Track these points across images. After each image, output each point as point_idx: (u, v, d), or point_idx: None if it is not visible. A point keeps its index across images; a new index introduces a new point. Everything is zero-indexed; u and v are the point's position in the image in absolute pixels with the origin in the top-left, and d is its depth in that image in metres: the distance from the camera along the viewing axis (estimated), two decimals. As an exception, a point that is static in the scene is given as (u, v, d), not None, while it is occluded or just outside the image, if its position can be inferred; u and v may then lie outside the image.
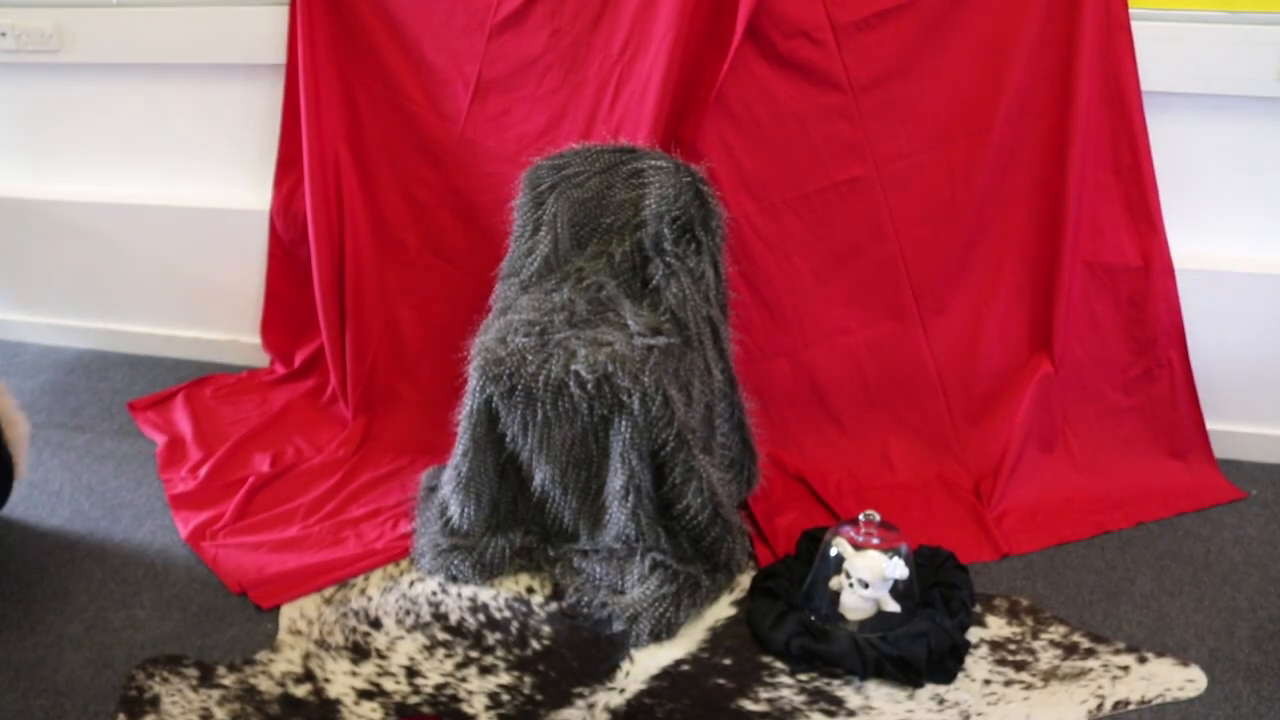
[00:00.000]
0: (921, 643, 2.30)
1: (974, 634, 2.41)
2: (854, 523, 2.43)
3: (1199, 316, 2.92)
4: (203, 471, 2.99)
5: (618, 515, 2.46)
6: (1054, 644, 2.39)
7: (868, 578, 2.35)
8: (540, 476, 2.53)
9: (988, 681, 2.29)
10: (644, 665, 2.34)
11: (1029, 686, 2.27)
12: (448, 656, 2.37)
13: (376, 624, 2.46)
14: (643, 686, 2.28)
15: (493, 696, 2.26)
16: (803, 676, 2.31)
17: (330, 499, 2.88)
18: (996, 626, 2.45)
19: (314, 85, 3.12)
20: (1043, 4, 2.73)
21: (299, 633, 2.44)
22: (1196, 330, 2.93)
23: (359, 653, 2.38)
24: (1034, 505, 2.83)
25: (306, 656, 2.36)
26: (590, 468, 2.49)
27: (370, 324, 3.24)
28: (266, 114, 3.33)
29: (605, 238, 2.74)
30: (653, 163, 2.70)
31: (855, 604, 2.38)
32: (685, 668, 2.34)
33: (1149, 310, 2.91)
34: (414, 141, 3.14)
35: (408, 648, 2.40)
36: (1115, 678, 2.29)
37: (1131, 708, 2.22)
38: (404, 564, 2.64)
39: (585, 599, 2.49)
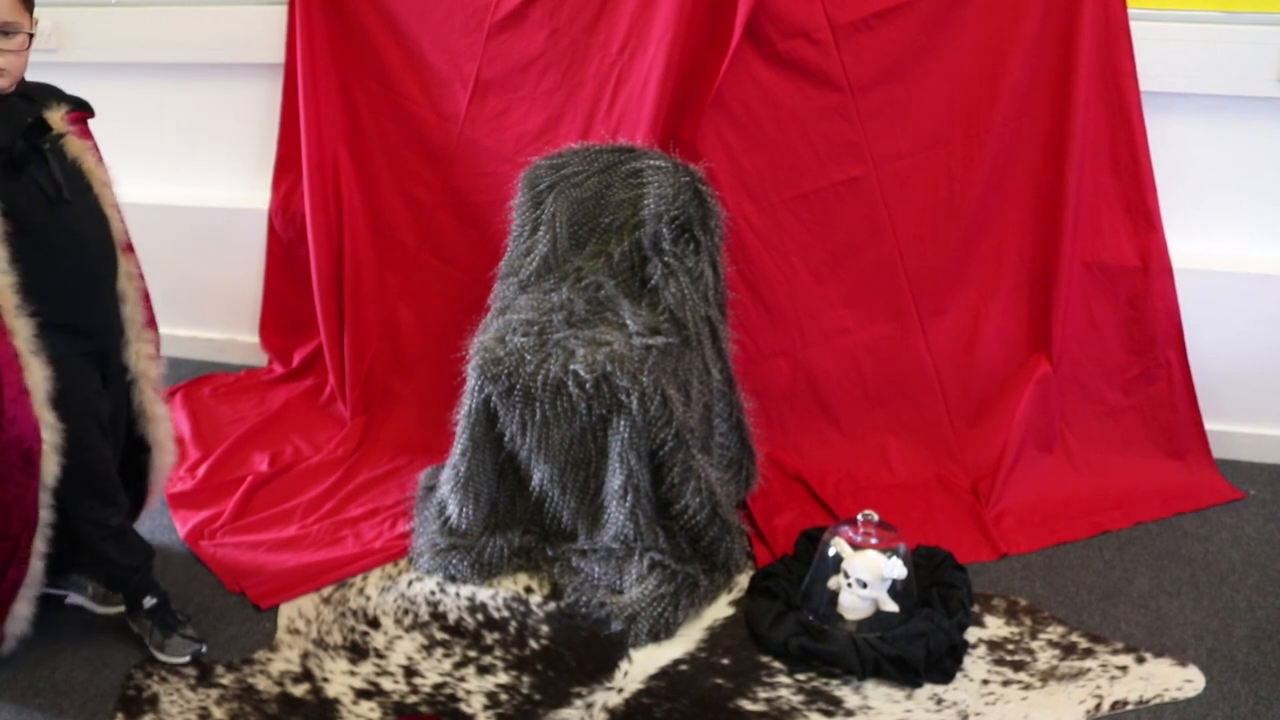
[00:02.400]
0: (920, 643, 2.30)
1: (972, 634, 2.41)
2: (852, 523, 2.43)
3: (1198, 317, 2.92)
4: (201, 470, 2.99)
5: (616, 515, 2.46)
6: (1052, 644, 2.39)
7: (866, 577, 2.35)
8: (539, 476, 2.53)
9: (986, 681, 2.29)
10: (642, 665, 2.34)
11: (1027, 686, 2.27)
12: (446, 656, 2.37)
13: (375, 623, 2.46)
14: (641, 686, 2.28)
15: (491, 696, 2.26)
16: (801, 676, 2.31)
17: (329, 498, 2.88)
18: (995, 626, 2.45)
19: (313, 85, 3.12)
20: (1041, 4, 2.73)
21: (297, 632, 2.44)
22: (1195, 330, 2.93)
23: (357, 652, 2.38)
24: (1032, 505, 2.83)
25: (305, 656, 2.36)
26: (589, 467, 2.49)
27: (369, 323, 3.24)
28: (265, 113, 3.33)
29: (604, 237, 2.74)
30: (651, 162, 2.70)
31: (853, 604, 2.38)
32: (683, 667, 2.34)
33: (1147, 310, 2.91)
34: (412, 141, 3.14)
35: (406, 647, 2.40)
36: (1113, 678, 2.29)
37: (1130, 708, 2.22)
38: (402, 563, 2.64)
39: (584, 599, 2.48)
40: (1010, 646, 2.39)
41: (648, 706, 2.22)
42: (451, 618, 2.48)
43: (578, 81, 2.95)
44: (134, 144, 3.52)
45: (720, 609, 2.51)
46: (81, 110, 2.26)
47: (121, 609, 2.44)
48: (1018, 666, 2.33)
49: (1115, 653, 2.36)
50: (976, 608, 2.48)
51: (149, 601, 2.37)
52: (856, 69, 2.81)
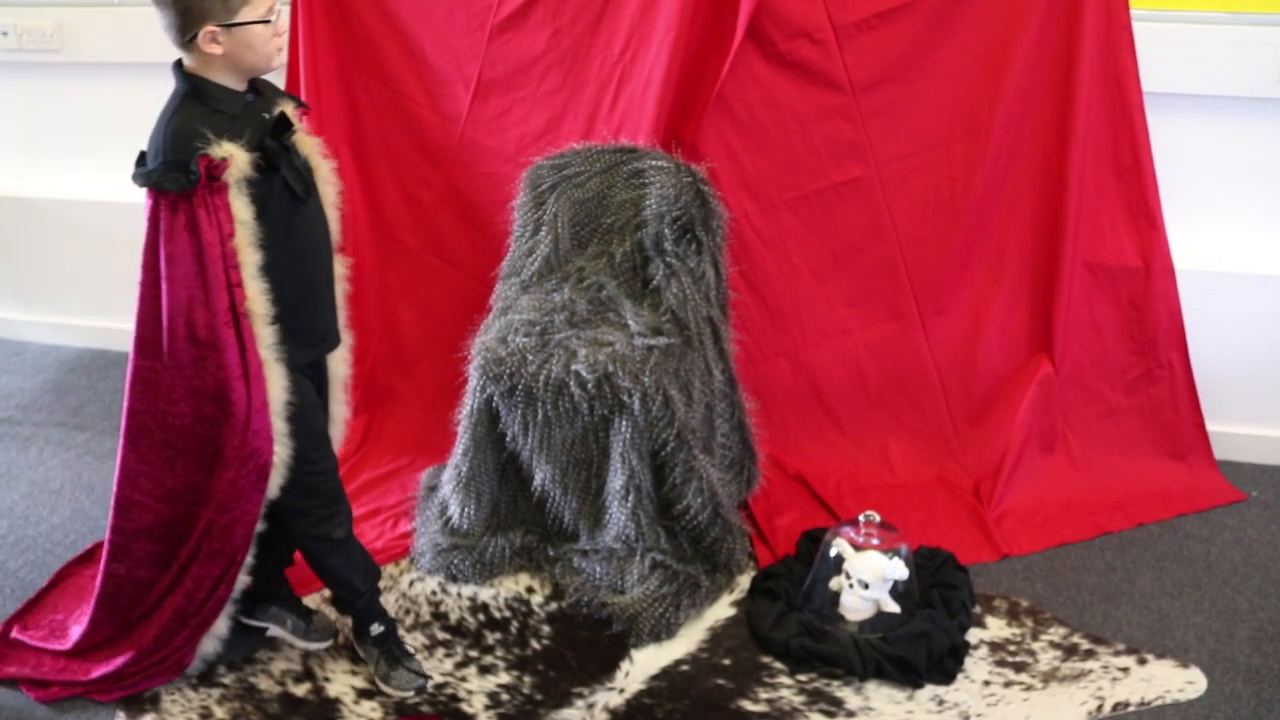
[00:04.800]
0: (921, 643, 2.30)
1: (973, 635, 2.41)
2: (854, 523, 2.43)
3: (1199, 317, 2.92)
4: (203, 471, 2.98)
5: (618, 515, 2.46)
6: (1054, 645, 2.39)
7: (867, 578, 2.35)
8: (540, 476, 2.53)
9: (987, 682, 2.29)
10: (643, 665, 2.34)
11: (1028, 688, 2.27)
12: (447, 656, 2.37)
13: (376, 623, 2.46)
14: (642, 686, 2.28)
15: (492, 696, 2.26)
16: (802, 677, 2.31)
17: (330, 498, 2.88)
18: (996, 627, 2.45)
19: (314, 85, 3.12)
20: (1043, 5, 2.73)
21: (298, 632, 2.43)
22: (1197, 331, 2.93)
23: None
24: (1034, 506, 2.83)
25: (306, 655, 2.36)
26: (590, 468, 2.49)
27: (370, 323, 3.23)
28: (267, 113, 3.33)
29: (606, 238, 2.74)
30: (653, 163, 2.70)
31: (855, 604, 2.38)
32: (685, 668, 2.34)
33: (1149, 311, 2.91)
34: (414, 141, 3.14)
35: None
36: (1115, 679, 2.29)
37: (1131, 709, 2.22)
38: (404, 563, 2.64)
39: (585, 599, 2.48)
40: (1012, 647, 2.39)
41: (649, 707, 2.22)
42: (453, 618, 2.48)
43: (580, 82, 2.95)
44: (135, 143, 3.50)
45: (722, 609, 2.51)
46: (301, 107, 2.16)
47: (325, 644, 2.36)
48: (1019, 668, 2.33)
49: (1117, 654, 2.36)
50: (978, 608, 2.48)
51: (376, 629, 2.28)
52: (858, 69, 2.81)
